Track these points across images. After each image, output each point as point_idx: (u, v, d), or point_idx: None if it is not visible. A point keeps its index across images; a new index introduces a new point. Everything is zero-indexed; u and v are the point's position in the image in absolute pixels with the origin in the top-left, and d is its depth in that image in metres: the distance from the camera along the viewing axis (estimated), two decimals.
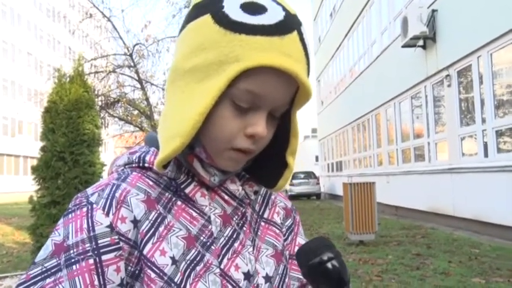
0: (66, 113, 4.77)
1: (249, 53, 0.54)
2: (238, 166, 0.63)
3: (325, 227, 9.51)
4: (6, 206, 19.13)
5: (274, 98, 0.58)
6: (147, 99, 11.77)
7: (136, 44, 11.70)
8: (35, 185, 4.76)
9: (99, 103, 12.08)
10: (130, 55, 11.63)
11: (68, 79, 5.13)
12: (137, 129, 13.01)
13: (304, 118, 41.26)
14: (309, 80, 0.58)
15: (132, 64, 11.78)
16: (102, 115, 12.24)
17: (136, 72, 11.78)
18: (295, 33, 0.57)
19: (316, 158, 28.97)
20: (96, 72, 12.19)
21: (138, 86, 12.10)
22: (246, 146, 0.59)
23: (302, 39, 0.58)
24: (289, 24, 0.57)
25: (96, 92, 11.45)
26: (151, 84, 12.13)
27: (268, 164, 0.68)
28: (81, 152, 4.75)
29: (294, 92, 0.60)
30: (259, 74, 0.55)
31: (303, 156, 36.92)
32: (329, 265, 0.56)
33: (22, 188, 25.90)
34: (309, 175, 22.03)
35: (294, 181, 21.68)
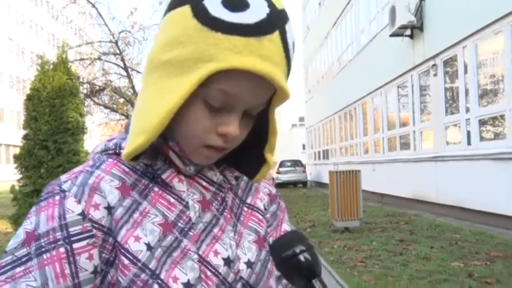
0: (49, 100, 4.70)
1: (224, 53, 0.52)
2: (211, 161, 0.63)
3: (311, 215, 9.61)
4: None
5: (248, 99, 0.57)
6: (133, 87, 11.64)
7: (122, 31, 11.52)
8: (17, 173, 4.70)
9: (84, 91, 11.91)
10: (116, 42, 11.45)
11: (51, 66, 5.04)
12: (123, 117, 12.88)
13: (292, 106, 41.27)
14: (286, 84, 0.56)
15: (117, 51, 11.61)
16: (87, 103, 12.08)
17: (122, 59, 11.61)
18: (276, 33, 0.54)
19: (303, 146, 29.09)
20: (81, 59, 11.99)
21: (124, 73, 11.95)
22: (218, 144, 0.59)
23: (284, 39, 0.55)
24: (271, 24, 0.54)
25: (81, 80, 11.27)
26: (137, 72, 11.98)
27: (248, 158, 0.68)
28: (64, 141, 4.69)
29: (271, 93, 0.58)
30: (233, 75, 0.53)
31: (290, 144, 37.02)
32: (301, 257, 0.57)
33: (4, 177, 25.43)
34: (296, 163, 22.14)
35: (281, 169, 21.79)
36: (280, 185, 21.55)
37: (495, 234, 6.09)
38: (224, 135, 0.58)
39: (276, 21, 0.55)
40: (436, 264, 4.70)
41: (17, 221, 4.55)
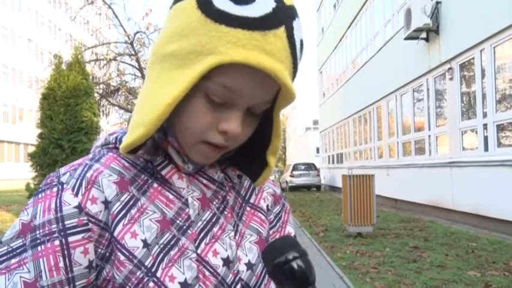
0: (64, 100, 4.74)
1: (226, 46, 0.50)
2: (210, 160, 0.61)
3: (324, 219, 9.53)
4: (6, 193, 19.22)
5: (251, 96, 0.55)
6: None
7: (137, 32, 11.64)
8: (32, 172, 4.75)
9: (100, 91, 12.07)
10: (131, 43, 11.58)
11: (66, 66, 5.10)
12: None
13: (306, 110, 41.13)
14: (291, 81, 0.55)
15: (132, 52, 11.74)
16: (102, 103, 12.24)
17: (137, 60, 11.74)
18: (282, 28, 0.52)
19: (317, 150, 28.95)
20: (97, 59, 12.16)
21: (139, 74, 12.06)
22: (218, 141, 0.57)
23: (290, 36, 0.53)
24: (277, 18, 0.52)
25: (96, 80, 11.42)
26: None
27: (252, 159, 0.67)
28: (78, 140, 4.73)
29: (276, 91, 0.56)
30: (235, 70, 0.52)
31: (304, 147, 36.92)
32: (294, 264, 0.54)
33: (22, 175, 25.96)
34: (310, 167, 22.02)
35: (295, 172, 21.71)
36: (293, 189, 21.48)
37: None
38: (225, 132, 0.56)
39: (282, 16, 0.53)
40: (452, 273, 4.59)
41: None
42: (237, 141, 0.59)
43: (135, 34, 11.59)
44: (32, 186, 4.72)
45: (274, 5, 0.52)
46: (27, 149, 30.64)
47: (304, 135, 39.77)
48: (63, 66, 5.14)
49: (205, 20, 0.51)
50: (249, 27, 0.51)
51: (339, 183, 16.68)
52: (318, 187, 21.87)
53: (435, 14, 8.81)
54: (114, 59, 12.09)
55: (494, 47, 7.11)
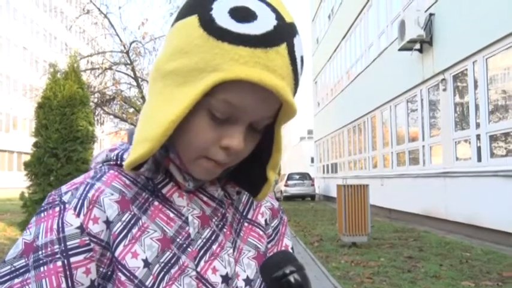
0: (59, 109, 4.74)
1: (229, 63, 0.51)
2: (211, 176, 0.61)
3: (319, 229, 9.52)
4: None
5: (253, 112, 0.55)
6: (143, 97, 11.76)
7: (133, 42, 11.69)
8: (27, 181, 4.73)
9: (95, 100, 12.06)
10: (127, 52, 11.62)
11: (62, 75, 5.11)
12: (133, 127, 12.97)
13: (301, 119, 41.25)
14: (292, 97, 0.55)
15: (128, 61, 11.77)
16: (97, 112, 12.22)
17: (133, 69, 11.77)
18: (283, 46, 0.53)
19: (312, 160, 28.98)
20: (92, 68, 12.17)
21: (134, 83, 12.09)
22: (220, 158, 0.57)
23: (291, 53, 0.54)
24: (278, 36, 0.53)
25: (92, 89, 11.42)
26: (148, 82, 12.11)
27: (251, 174, 0.67)
28: (74, 149, 4.72)
29: (278, 107, 0.57)
30: (238, 87, 0.52)
31: (299, 157, 36.94)
32: (291, 278, 0.56)
33: (16, 184, 25.70)
34: (304, 176, 22.04)
35: (289, 182, 21.71)
36: (288, 198, 21.46)
37: (507, 254, 5.97)
38: (227, 148, 0.56)
39: (283, 33, 0.54)
40: (446, 283, 4.60)
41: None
42: (239, 157, 0.59)
43: (130, 43, 11.64)
44: (27, 195, 4.69)
45: (275, 22, 0.53)
46: (21, 157, 30.40)
47: (298, 145, 39.82)
48: (59, 76, 5.15)
49: (208, 37, 0.52)
50: (251, 44, 0.51)
51: (333, 193, 16.69)
52: (312, 197, 21.86)
53: (429, 25, 8.94)
54: (110, 68, 12.11)
55: (486, 59, 7.21)
